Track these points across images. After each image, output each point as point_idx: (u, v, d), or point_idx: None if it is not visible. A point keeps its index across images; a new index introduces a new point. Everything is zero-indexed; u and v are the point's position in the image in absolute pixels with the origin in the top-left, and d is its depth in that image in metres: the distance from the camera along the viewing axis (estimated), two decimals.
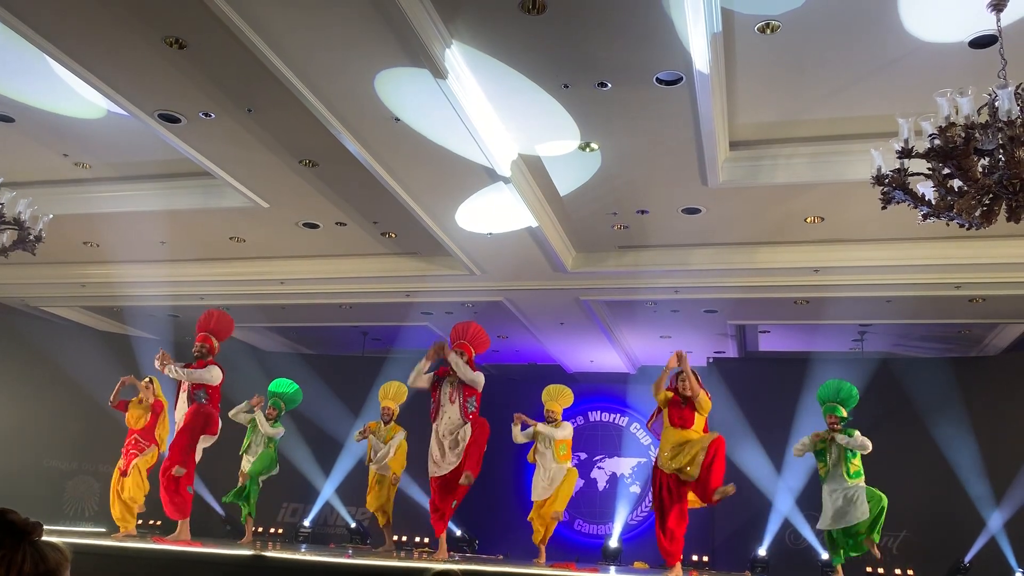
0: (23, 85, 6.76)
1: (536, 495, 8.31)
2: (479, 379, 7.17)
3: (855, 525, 7.66)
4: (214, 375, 7.52)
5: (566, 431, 8.38)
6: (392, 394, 9.15)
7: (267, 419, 9.11)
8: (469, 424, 7.12)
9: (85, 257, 10.48)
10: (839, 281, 9.01)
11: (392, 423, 9.02)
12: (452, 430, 7.09)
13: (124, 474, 8.04)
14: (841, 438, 7.71)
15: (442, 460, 7.05)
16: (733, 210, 7.95)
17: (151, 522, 11.78)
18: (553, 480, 8.22)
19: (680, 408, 6.57)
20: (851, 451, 7.75)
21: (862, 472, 7.79)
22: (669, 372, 6.65)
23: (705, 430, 6.65)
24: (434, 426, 7.20)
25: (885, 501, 7.72)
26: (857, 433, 7.73)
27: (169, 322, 12.80)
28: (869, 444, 7.71)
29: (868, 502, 7.66)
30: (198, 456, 7.54)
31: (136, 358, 12.38)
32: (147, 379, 8.50)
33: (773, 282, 9.19)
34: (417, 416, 8.84)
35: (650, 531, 13.10)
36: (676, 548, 6.46)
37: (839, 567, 7.88)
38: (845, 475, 7.75)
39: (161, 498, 7.35)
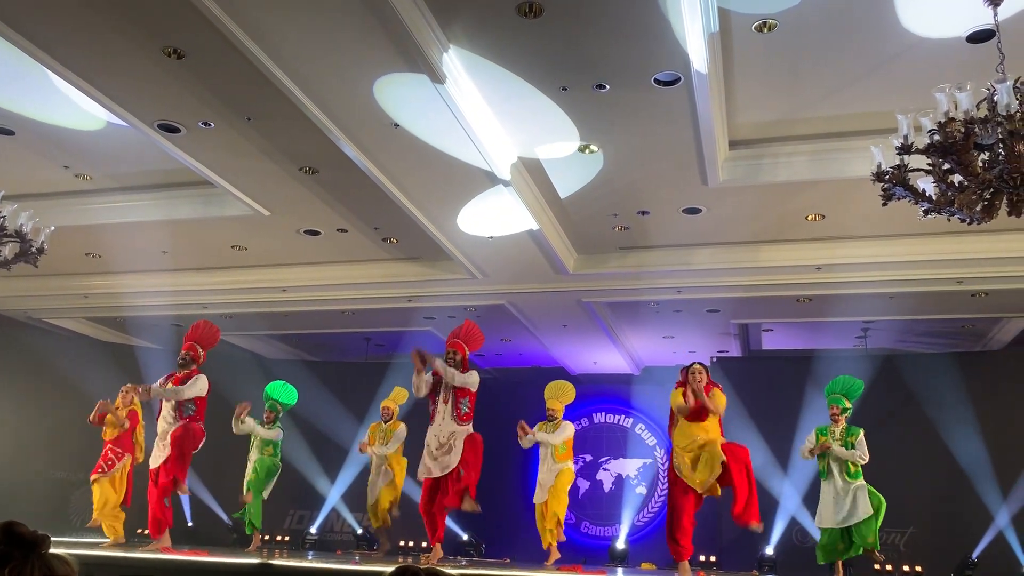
0: (23, 98, 6.77)
1: (536, 498, 8.34)
2: (470, 379, 6.94)
3: (858, 524, 7.70)
4: (201, 386, 7.54)
5: (564, 434, 8.37)
6: (392, 395, 9.43)
7: (265, 422, 9.19)
8: (462, 426, 6.88)
9: (87, 268, 10.50)
10: (841, 278, 9.00)
11: (392, 421, 9.23)
12: (443, 432, 6.87)
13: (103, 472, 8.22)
14: (838, 450, 7.81)
15: (433, 463, 6.83)
16: (734, 209, 7.95)
17: None
18: (546, 483, 8.26)
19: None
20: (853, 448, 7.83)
21: (861, 473, 7.84)
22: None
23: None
24: (429, 429, 7.03)
25: (884, 505, 7.77)
26: (861, 439, 7.83)
27: (172, 331, 12.80)
28: (865, 455, 7.80)
29: (870, 499, 7.71)
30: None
31: (140, 368, 12.41)
32: (126, 386, 8.60)
33: (775, 280, 9.18)
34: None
35: (657, 532, 13.13)
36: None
37: (839, 563, 7.93)
38: (845, 475, 7.81)
39: (150, 512, 7.41)
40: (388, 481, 9.03)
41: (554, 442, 8.24)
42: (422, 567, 1.75)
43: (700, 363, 6.93)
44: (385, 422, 9.21)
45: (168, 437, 7.39)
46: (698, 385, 6.71)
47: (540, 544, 8.37)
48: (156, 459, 7.45)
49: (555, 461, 8.27)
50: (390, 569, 1.79)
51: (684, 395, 6.80)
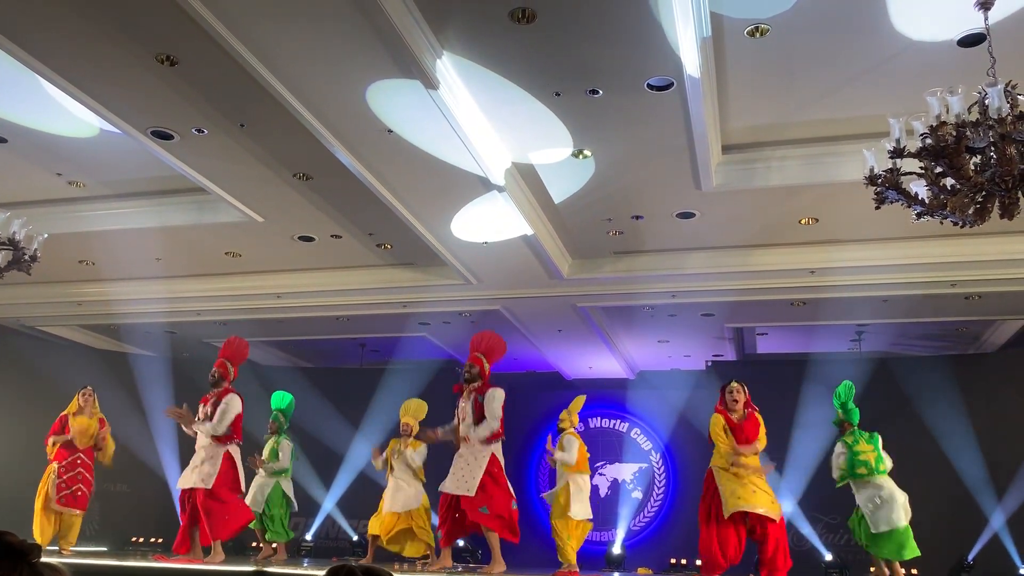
0: (15, 105, 6.75)
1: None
2: (489, 428, 6.89)
3: (884, 533, 7.63)
4: (233, 409, 7.29)
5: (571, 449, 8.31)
6: (412, 411, 8.62)
7: (268, 431, 9.19)
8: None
9: (81, 276, 10.46)
10: (835, 282, 9.02)
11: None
12: None
13: (74, 503, 8.12)
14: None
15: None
16: (727, 213, 7.96)
17: (152, 540, 11.74)
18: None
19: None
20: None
21: (873, 469, 7.81)
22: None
23: None
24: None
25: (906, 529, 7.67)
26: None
27: (166, 339, 12.78)
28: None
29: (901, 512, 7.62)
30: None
31: (134, 376, 12.37)
32: (85, 389, 8.56)
33: (769, 284, 9.19)
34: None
35: (653, 536, 13.12)
36: None
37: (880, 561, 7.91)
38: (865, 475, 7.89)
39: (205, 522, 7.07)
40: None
41: (568, 462, 8.13)
42: (357, 566, 1.77)
43: (738, 381, 6.82)
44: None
45: (205, 467, 7.09)
46: (737, 408, 6.68)
47: (537, 552, 8.32)
48: (188, 481, 7.11)
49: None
50: (322, 573, 1.82)
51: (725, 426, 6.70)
